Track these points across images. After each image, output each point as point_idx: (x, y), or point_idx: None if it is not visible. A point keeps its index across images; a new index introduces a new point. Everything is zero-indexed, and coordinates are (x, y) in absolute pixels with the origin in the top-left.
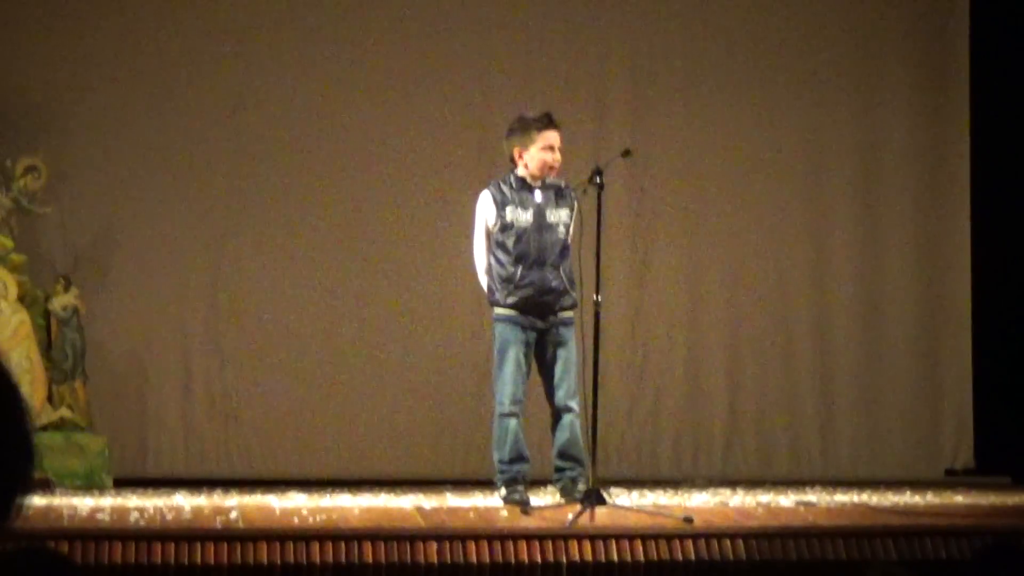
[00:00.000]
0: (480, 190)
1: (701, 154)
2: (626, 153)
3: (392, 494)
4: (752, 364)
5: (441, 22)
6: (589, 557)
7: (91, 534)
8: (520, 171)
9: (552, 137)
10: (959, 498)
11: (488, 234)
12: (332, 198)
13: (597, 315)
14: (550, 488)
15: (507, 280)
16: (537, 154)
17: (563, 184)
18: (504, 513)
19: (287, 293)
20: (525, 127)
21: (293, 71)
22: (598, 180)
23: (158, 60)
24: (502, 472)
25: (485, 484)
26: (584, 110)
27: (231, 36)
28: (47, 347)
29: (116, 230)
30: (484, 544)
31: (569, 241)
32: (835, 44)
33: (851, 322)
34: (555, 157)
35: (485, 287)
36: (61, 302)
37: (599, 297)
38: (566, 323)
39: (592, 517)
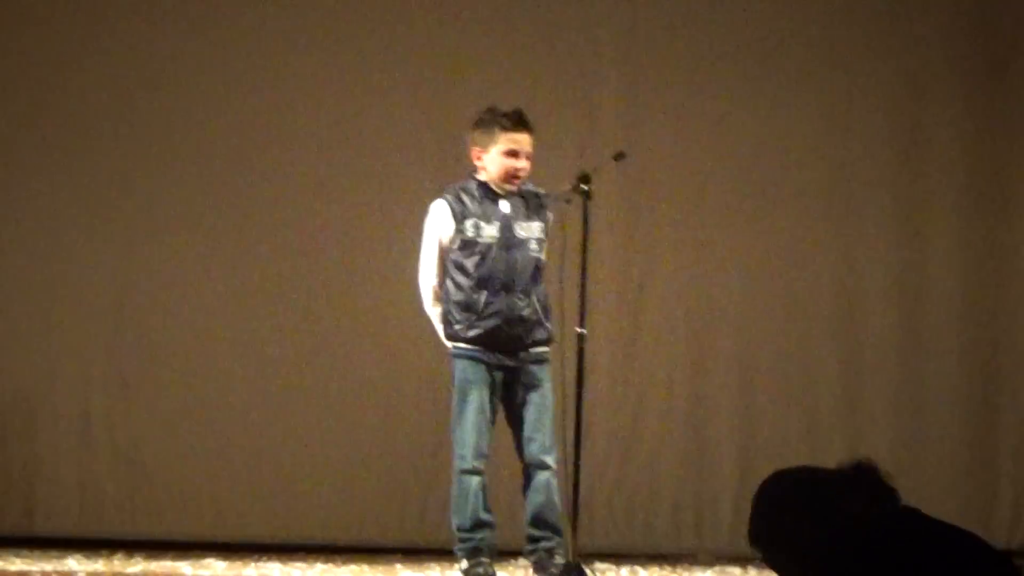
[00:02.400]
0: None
1: (707, 157)
2: (619, 156)
3: (330, 564)
4: (769, 414)
5: None
6: None
7: None
8: (483, 175)
9: (518, 140)
10: None
11: (443, 253)
12: (264, 209)
13: (581, 351)
14: (521, 561)
15: (468, 308)
16: (497, 158)
17: (538, 192)
18: None
19: (207, 320)
20: (487, 123)
21: (212, 46)
22: (585, 188)
23: (46, 52)
24: (463, 541)
25: (442, 554)
26: (570, 104)
27: (138, 17)
28: None
29: None
30: None
31: (543, 261)
32: (862, 13)
33: (887, 364)
34: (519, 165)
35: (435, 318)
36: None
37: (584, 329)
38: (539, 360)
39: None
